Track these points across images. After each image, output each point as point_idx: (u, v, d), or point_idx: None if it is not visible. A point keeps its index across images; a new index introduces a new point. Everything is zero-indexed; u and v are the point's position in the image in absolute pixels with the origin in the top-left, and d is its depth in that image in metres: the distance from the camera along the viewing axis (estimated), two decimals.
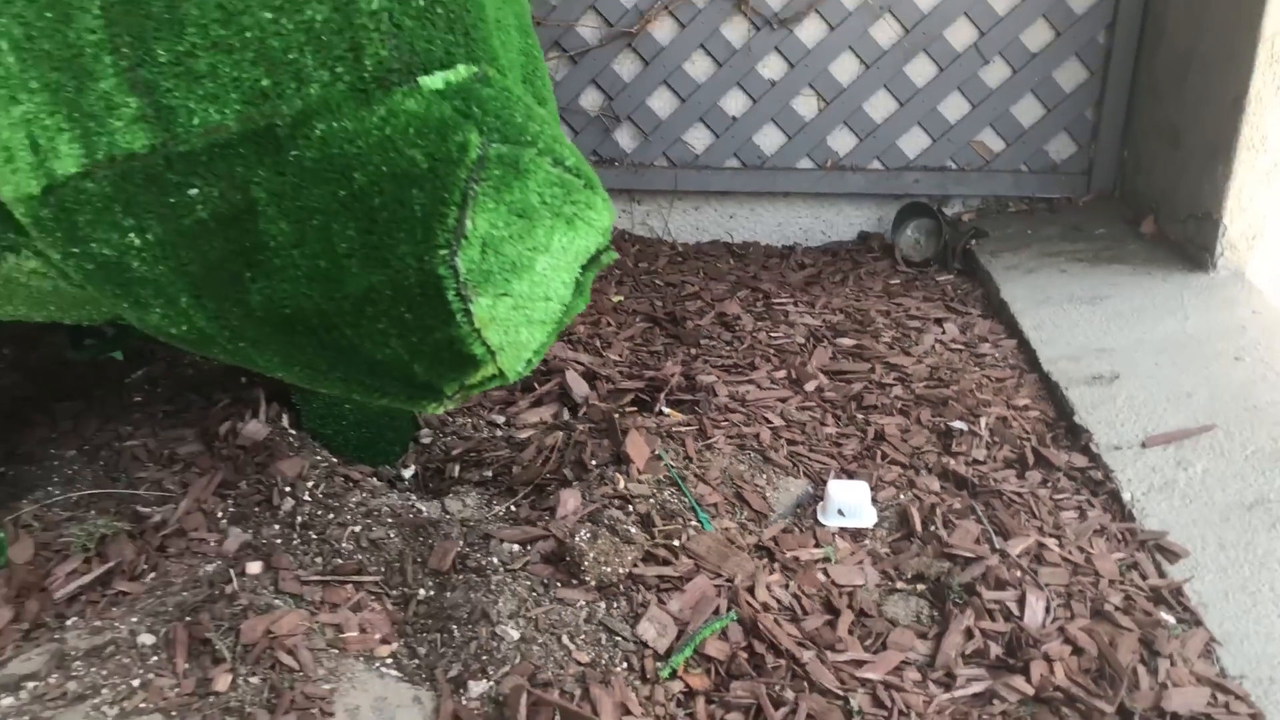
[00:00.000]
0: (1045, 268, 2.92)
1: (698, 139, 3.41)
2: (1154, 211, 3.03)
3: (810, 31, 3.27)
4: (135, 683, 1.47)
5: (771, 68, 3.32)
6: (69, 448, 2.04)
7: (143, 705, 1.44)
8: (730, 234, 3.52)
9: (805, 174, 3.40)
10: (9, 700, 1.45)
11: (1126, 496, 1.95)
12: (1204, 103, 2.75)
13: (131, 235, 1.11)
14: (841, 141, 3.38)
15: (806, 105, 3.35)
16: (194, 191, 1.07)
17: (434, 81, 1.04)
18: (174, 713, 1.43)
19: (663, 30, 3.28)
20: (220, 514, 1.81)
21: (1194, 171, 2.79)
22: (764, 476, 1.99)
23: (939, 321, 2.76)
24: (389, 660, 1.56)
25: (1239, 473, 1.95)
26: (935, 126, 3.33)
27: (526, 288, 1.03)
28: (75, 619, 1.62)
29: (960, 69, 3.26)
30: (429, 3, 1.07)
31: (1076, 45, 3.22)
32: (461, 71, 1.06)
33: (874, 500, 1.95)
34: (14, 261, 1.45)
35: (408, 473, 2.03)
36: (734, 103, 3.37)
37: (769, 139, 3.40)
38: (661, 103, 3.38)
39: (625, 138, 3.39)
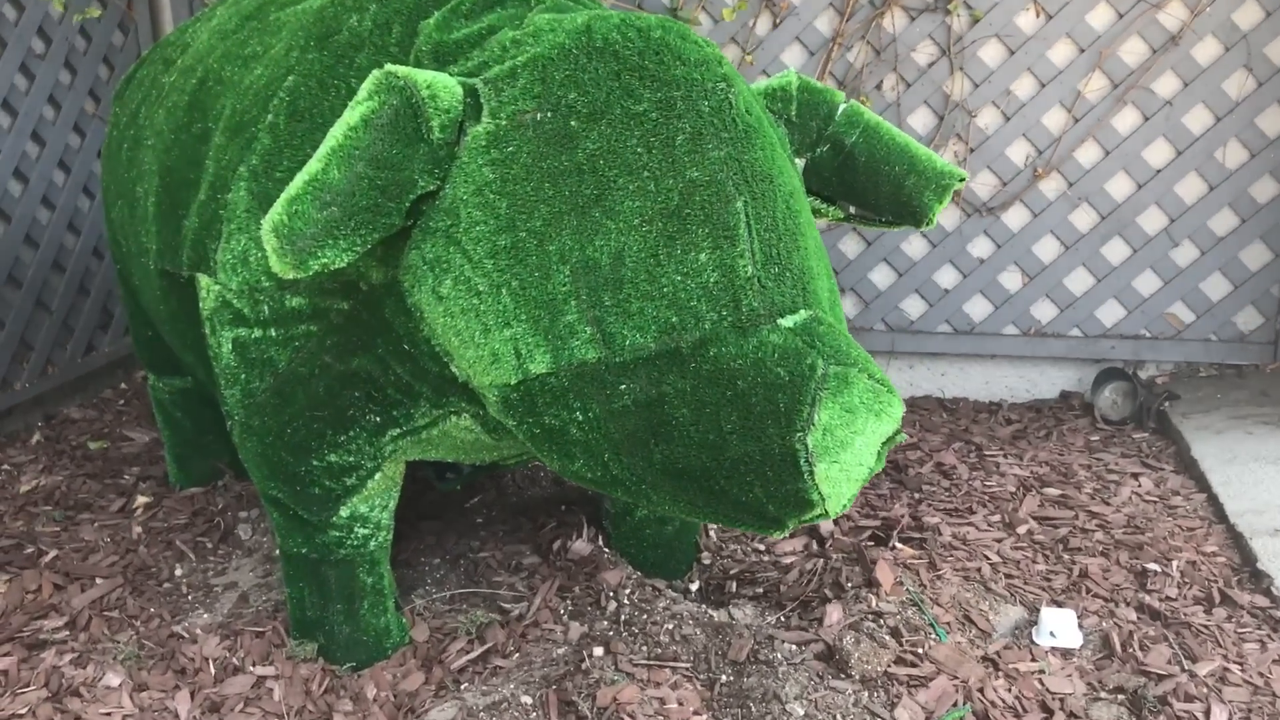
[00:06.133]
0: (1233, 429, 3.28)
1: (913, 307, 3.91)
2: None
3: (1015, 217, 3.77)
4: None
5: (980, 248, 3.82)
6: (434, 556, 2.66)
7: None
8: (942, 390, 3.98)
9: (1010, 339, 3.85)
10: None
11: None
12: None
13: (577, 413, 1.68)
14: (1043, 311, 3.83)
15: (1011, 280, 3.83)
16: (623, 387, 1.64)
17: (787, 322, 1.59)
18: None
19: None
20: (562, 611, 2.38)
21: None
22: (986, 603, 2.43)
23: (1135, 476, 3.15)
24: None
25: None
26: (1130, 300, 3.75)
27: (849, 457, 1.54)
28: (467, 684, 2.18)
29: (1152, 250, 3.69)
30: (780, 269, 1.63)
31: (1261, 230, 3.61)
32: (802, 315, 1.61)
33: (1080, 626, 2.36)
34: (455, 421, 2.07)
35: (693, 586, 2.55)
36: (946, 277, 3.87)
37: (977, 308, 3.88)
38: (881, 276, 3.91)
39: (848, 306, 3.93)
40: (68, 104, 3.67)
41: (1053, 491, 3.04)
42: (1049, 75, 3.62)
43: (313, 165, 1.63)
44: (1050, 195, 3.72)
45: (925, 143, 3.70)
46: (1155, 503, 2.98)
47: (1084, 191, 3.69)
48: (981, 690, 2.11)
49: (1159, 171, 3.63)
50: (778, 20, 3.71)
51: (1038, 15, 3.59)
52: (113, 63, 3.90)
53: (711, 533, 2.73)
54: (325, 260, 1.63)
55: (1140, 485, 3.09)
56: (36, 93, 3.51)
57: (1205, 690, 2.13)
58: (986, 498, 3.00)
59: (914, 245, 3.86)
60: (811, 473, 1.52)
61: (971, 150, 3.72)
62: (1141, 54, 3.55)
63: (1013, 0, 3.56)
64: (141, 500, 2.99)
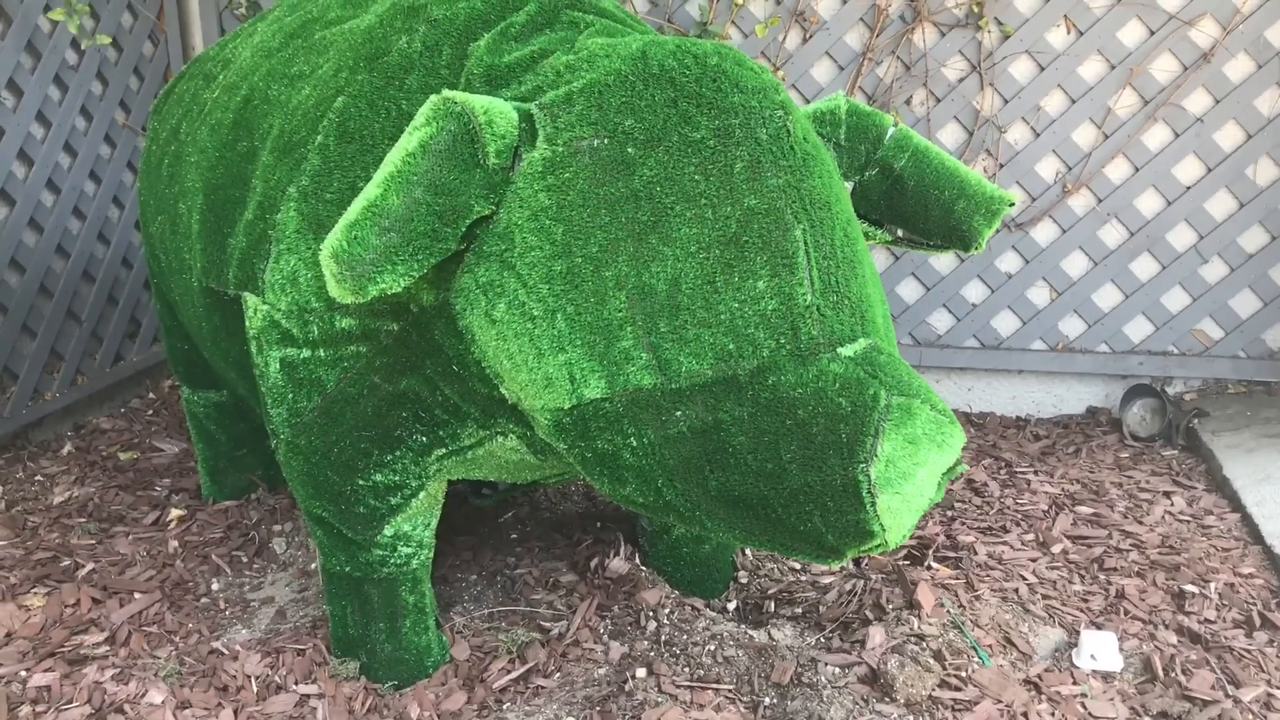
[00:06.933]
0: (1265, 448, 3.27)
1: (940, 322, 3.91)
2: None
3: (1044, 233, 3.77)
4: None
5: (1008, 263, 3.82)
6: (471, 573, 2.66)
7: None
8: (969, 405, 3.98)
9: (1038, 354, 3.84)
10: None
11: None
12: None
13: (630, 438, 1.68)
14: (1071, 327, 3.83)
15: (1039, 295, 3.83)
16: (679, 413, 1.64)
17: (847, 351, 1.59)
18: None
19: None
20: (602, 630, 2.38)
21: None
22: (1026, 625, 2.43)
23: (1167, 494, 3.14)
24: None
25: None
26: (1158, 316, 3.74)
27: (911, 489, 1.54)
28: (509, 704, 2.19)
29: (1181, 267, 3.68)
30: (839, 297, 1.63)
31: None
32: (861, 344, 1.61)
33: (1120, 649, 2.36)
34: (501, 442, 2.07)
35: (731, 605, 2.55)
36: (974, 292, 3.87)
37: (1005, 323, 3.88)
38: (908, 290, 3.91)
39: None
40: (99, 115, 3.68)
41: (1085, 510, 3.03)
42: (1079, 91, 3.62)
43: (371, 191, 1.63)
44: (1079, 211, 3.72)
45: (954, 157, 3.70)
46: (1189, 522, 2.98)
47: (1113, 208, 3.69)
48: (1025, 715, 2.11)
49: (1189, 188, 3.63)
50: (808, 35, 3.71)
51: (1069, 31, 3.59)
52: (142, 73, 3.90)
53: (748, 551, 2.73)
54: (384, 285, 1.63)
55: (1173, 504, 3.08)
56: (69, 104, 3.52)
57: (1250, 717, 2.12)
58: (1019, 516, 3.00)
59: (942, 260, 3.86)
60: (874, 504, 1.52)
61: (1001, 166, 3.71)
62: (1173, 71, 3.55)
63: (1044, 16, 3.56)
64: (175, 513, 2.99)
